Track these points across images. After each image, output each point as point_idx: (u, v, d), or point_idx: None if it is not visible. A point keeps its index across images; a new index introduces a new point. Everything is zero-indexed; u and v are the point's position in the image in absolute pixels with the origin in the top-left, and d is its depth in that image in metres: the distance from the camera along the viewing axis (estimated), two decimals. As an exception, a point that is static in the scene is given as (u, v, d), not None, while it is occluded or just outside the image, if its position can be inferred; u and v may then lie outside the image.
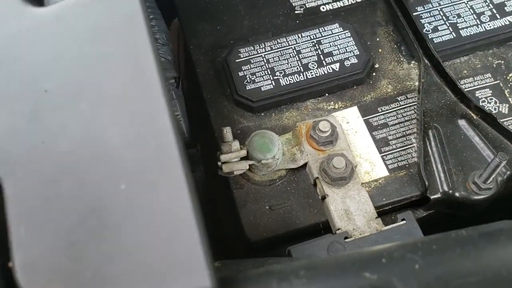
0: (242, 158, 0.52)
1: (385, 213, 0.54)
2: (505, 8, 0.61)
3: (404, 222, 0.47)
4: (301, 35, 0.60)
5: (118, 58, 0.27)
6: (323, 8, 0.63)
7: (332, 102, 0.58)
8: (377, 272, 0.23)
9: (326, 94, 0.58)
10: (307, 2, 0.64)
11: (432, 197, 0.52)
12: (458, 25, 0.60)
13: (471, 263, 0.24)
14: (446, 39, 0.60)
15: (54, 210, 0.25)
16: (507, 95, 0.58)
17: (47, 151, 0.26)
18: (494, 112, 0.56)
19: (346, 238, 0.47)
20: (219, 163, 0.51)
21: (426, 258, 0.24)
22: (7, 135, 0.28)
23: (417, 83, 0.58)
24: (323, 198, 0.51)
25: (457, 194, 0.52)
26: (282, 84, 0.57)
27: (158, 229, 0.23)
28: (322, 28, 0.60)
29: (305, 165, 0.53)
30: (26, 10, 0.30)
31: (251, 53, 0.59)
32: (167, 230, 0.23)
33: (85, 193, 0.25)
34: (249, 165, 0.52)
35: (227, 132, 0.52)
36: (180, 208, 0.23)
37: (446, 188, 0.52)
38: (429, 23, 0.61)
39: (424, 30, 0.60)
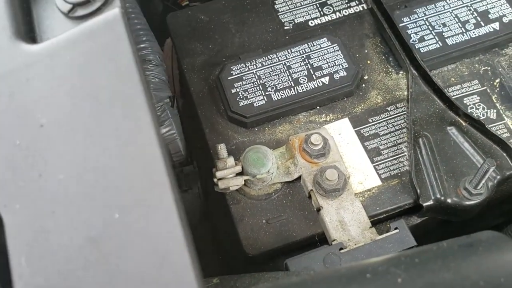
0: (238, 174, 0.53)
1: (380, 221, 0.55)
2: (489, 15, 0.63)
3: (397, 230, 0.48)
4: (291, 50, 0.61)
5: (109, 92, 0.28)
6: (312, 23, 0.65)
7: (323, 115, 0.59)
8: (362, 287, 0.24)
9: (318, 107, 0.59)
10: (296, 18, 0.65)
11: (424, 204, 0.53)
12: (444, 34, 0.62)
13: (451, 274, 0.25)
14: (433, 48, 0.61)
15: (53, 240, 0.27)
16: (495, 101, 0.59)
17: (44, 183, 0.28)
18: (482, 118, 0.58)
19: (341, 249, 0.48)
20: (215, 180, 0.52)
21: (409, 272, 0.25)
22: (6, 168, 0.29)
23: (406, 93, 0.59)
24: (318, 210, 0.52)
25: (449, 201, 0.53)
26: (274, 99, 0.59)
27: (151, 256, 0.24)
28: (311, 42, 0.62)
29: (299, 177, 0.54)
30: (19, 48, 0.32)
31: (242, 70, 0.60)
32: (160, 256, 0.24)
33: (81, 224, 0.26)
34: (245, 180, 0.53)
35: (222, 148, 0.53)
36: (171, 234, 0.24)
37: (438, 195, 0.53)
38: (416, 33, 0.62)
39: (411, 40, 0.61)
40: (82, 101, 0.29)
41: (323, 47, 0.61)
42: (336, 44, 0.61)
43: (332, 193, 0.52)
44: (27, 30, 0.33)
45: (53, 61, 0.30)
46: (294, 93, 0.59)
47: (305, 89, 0.59)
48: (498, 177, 0.54)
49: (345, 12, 0.65)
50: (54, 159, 0.28)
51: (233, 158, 0.53)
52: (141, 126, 0.27)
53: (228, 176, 0.52)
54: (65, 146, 0.28)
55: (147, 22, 0.65)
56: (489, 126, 0.56)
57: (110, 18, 0.30)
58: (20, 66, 0.31)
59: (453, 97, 0.58)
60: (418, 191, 0.53)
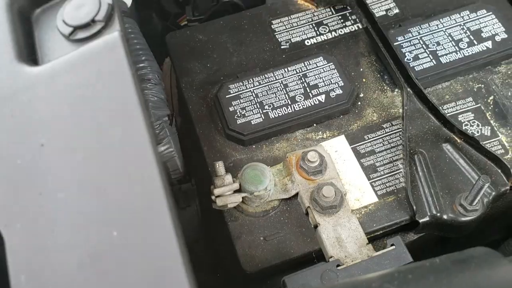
0: (236, 191, 0.54)
1: (377, 238, 0.55)
2: (482, 34, 0.64)
3: (393, 247, 0.48)
4: (288, 69, 0.63)
5: (109, 113, 0.29)
6: (308, 42, 0.66)
7: (320, 132, 0.60)
8: (356, 303, 0.25)
9: (314, 125, 0.60)
10: (292, 37, 0.66)
11: (421, 220, 0.53)
12: (438, 52, 0.63)
13: (443, 290, 0.25)
14: (427, 66, 0.62)
15: (53, 258, 0.27)
16: (489, 118, 0.60)
17: (45, 202, 0.28)
18: (476, 135, 0.58)
19: (338, 265, 0.48)
20: (213, 197, 0.52)
21: (402, 288, 0.26)
22: (7, 187, 0.30)
23: (401, 110, 0.60)
24: (315, 226, 0.52)
25: (445, 217, 0.53)
26: (271, 117, 0.59)
27: (149, 274, 0.25)
28: (307, 61, 0.63)
29: (297, 194, 0.55)
30: (21, 70, 0.32)
31: (240, 88, 0.61)
32: (158, 274, 0.25)
33: (80, 242, 0.27)
34: (242, 197, 0.54)
35: (220, 166, 0.54)
36: (169, 253, 0.25)
37: (434, 212, 0.53)
38: (410, 52, 0.63)
39: (405, 59, 0.62)
40: (82, 122, 0.29)
41: (319, 66, 0.62)
42: (332, 63, 0.63)
43: (329, 210, 0.52)
44: (29, 53, 0.34)
45: (54, 83, 0.31)
46: (291, 111, 0.60)
47: (301, 107, 0.60)
48: (493, 193, 0.55)
49: (341, 31, 0.67)
50: (54, 178, 0.29)
51: (230, 176, 0.54)
52: (139, 147, 0.27)
53: (226, 193, 0.53)
54: (65, 165, 0.29)
55: (147, 41, 0.66)
56: (484, 143, 0.57)
57: (110, 41, 0.31)
58: (22, 87, 0.32)
59: (447, 115, 0.59)
60: (414, 207, 0.53)
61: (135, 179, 0.27)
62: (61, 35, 0.34)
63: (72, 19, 0.33)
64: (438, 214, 0.53)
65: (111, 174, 0.28)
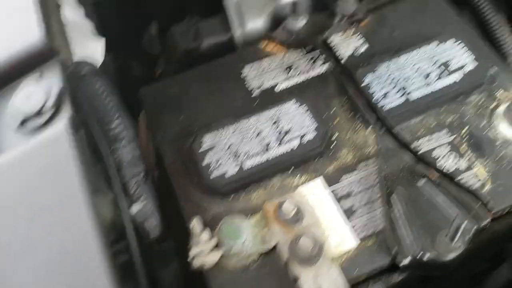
0: (215, 247, 0.53)
1: (360, 283, 0.54)
2: (451, 65, 0.64)
3: (374, 296, 0.48)
4: (260, 116, 0.62)
5: (54, 212, 0.29)
6: (279, 87, 0.66)
7: (297, 177, 0.60)
8: None
9: (290, 170, 0.60)
10: (263, 84, 0.66)
11: (401, 264, 0.52)
12: (407, 88, 0.63)
13: None
14: (398, 103, 0.62)
15: None
16: (464, 150, 0.59)
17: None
18: (453, 169, 0.58)
19: (319, 320, 0.47)
20: (189, 258, 0.52)
21: None
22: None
23: (375, 149, 0.60)
24: (296, 279, 0.52)
25: (426, 257, 0.52)
26: (246, 166, 0.59)
27: None
28: (279, 106, 0.63)
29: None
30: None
31: (214, 139, 0.61)
32: None
33: None
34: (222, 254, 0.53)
35: (195, 223, 0.54)
36: None
37: (415, 252, 0.53)
38: (380, 89, 0.63)
39: (374, 98, 0.62)
40: (32, 219, 0.29)
41: (291, 110, 0.62)
42: (303, 106, 0.63)
43: (307, 261, 0.51)
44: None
45: (3, 179, 0.31)
46: (266, 159, 0.60)
47: (276, 154, 0.60)
48: (475, 227, 0.54)
49: (311, 73, 0.67)
50: (7, 280, 0.28)
51: (208, 232, 0.53)
52: (87, 246, 0.27)
53: (203, 252, 0.52)
54: (19, 267, 0.28)
55: (127, 90, 0.66)
56: (461, 176, 0.57)
57: (58, 132, 0.31)
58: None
59: (422, 150, 0.58)
60: (395, 249, 0.53)
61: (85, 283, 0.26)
62: (11, 126, 0.34)
63: (21, 110, 0.33)
64: (420, 255, 0.53)
65: (60, 274, 0.27)
